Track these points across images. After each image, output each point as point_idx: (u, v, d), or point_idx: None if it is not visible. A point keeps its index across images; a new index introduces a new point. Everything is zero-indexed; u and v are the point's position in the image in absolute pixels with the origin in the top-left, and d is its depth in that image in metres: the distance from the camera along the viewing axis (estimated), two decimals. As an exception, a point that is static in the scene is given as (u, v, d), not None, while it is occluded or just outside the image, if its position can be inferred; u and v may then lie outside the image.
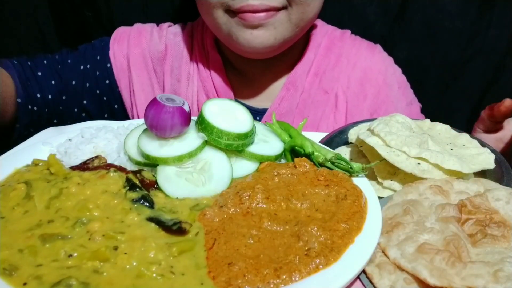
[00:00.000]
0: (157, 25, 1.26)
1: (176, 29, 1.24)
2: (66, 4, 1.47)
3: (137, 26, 1.24)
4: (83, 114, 1.21)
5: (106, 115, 1.23)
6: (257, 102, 1.20)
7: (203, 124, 0.75)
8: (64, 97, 1.16)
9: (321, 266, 0.56)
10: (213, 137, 0.75)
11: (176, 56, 1.20)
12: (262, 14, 0.96)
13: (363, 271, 0.60)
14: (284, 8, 0.98)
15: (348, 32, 1.25)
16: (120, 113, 1.22)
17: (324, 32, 1.22)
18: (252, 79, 1.20)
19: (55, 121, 1.16)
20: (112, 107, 1.22)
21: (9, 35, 1.49)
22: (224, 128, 0.75)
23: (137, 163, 0.75)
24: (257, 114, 1.18)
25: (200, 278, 0.54)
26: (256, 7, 0.95)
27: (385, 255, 0.61)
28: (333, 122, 1.16)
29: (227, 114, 0.78)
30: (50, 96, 1.13)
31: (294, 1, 0.97)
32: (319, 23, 1.24)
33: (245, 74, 1.20)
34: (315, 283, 0.54)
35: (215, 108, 0.78)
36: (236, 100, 1.18)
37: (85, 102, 1.18)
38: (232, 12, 0.98)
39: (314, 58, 1.18)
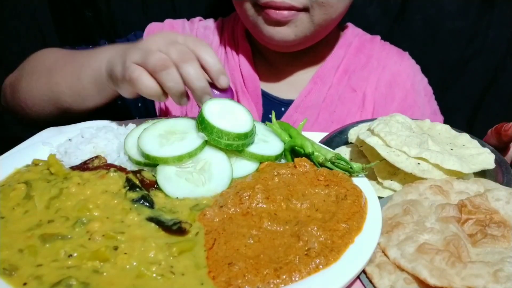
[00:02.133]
0: (188, 19, 1.31)
1: (206, 23, 1.30)
2: (66, 4, 1.47)
3: (169, 21, 1.28)
4: (119, 102, 1.23)
5: (139, 104, 1.26)
6: (283, 93, 1.22)
7: (203, 124, 0.75)
8: None
9: (321, 266, 0.56)
10: (213, 137, 0.75)
11: None
12: (284, 12, 1.01)
13: (363, 271, 0.60)
14: (305, 9, 1.02)
15: (378, 37, 1.28)
16: (152, 103, 1.26)
17: (355, 34, 1.25)
18: (280, 70, 1.23)
19: None
20: (144, 97, 1.25)
21: (9, 35, 1.49)
22: (224, 128, 0.75)
23: (137, 163, 0.75)
24: (283, 105, 1.20)
25: (200, 278, 0.54)
26: (279, 5, 1.00)
27: (385, 255, 0.61)
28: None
29: (227, 114, 0.78)
30: None
31: (316, 3, 1.00)
32: (350, 25, 1.28)
33: (274, 64, 1.23)
34: (315, 283, 0.54)
35: (215, 108, 0.77)
36: (263, 91, 1.20)
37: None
38: (259, 6, 1.03)
39: (344, 55, 1.21)
